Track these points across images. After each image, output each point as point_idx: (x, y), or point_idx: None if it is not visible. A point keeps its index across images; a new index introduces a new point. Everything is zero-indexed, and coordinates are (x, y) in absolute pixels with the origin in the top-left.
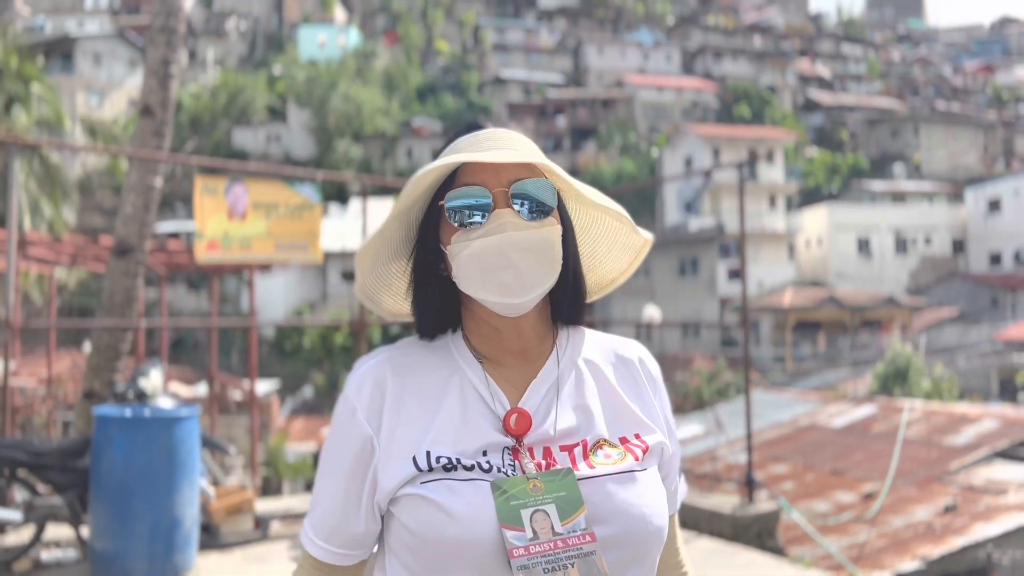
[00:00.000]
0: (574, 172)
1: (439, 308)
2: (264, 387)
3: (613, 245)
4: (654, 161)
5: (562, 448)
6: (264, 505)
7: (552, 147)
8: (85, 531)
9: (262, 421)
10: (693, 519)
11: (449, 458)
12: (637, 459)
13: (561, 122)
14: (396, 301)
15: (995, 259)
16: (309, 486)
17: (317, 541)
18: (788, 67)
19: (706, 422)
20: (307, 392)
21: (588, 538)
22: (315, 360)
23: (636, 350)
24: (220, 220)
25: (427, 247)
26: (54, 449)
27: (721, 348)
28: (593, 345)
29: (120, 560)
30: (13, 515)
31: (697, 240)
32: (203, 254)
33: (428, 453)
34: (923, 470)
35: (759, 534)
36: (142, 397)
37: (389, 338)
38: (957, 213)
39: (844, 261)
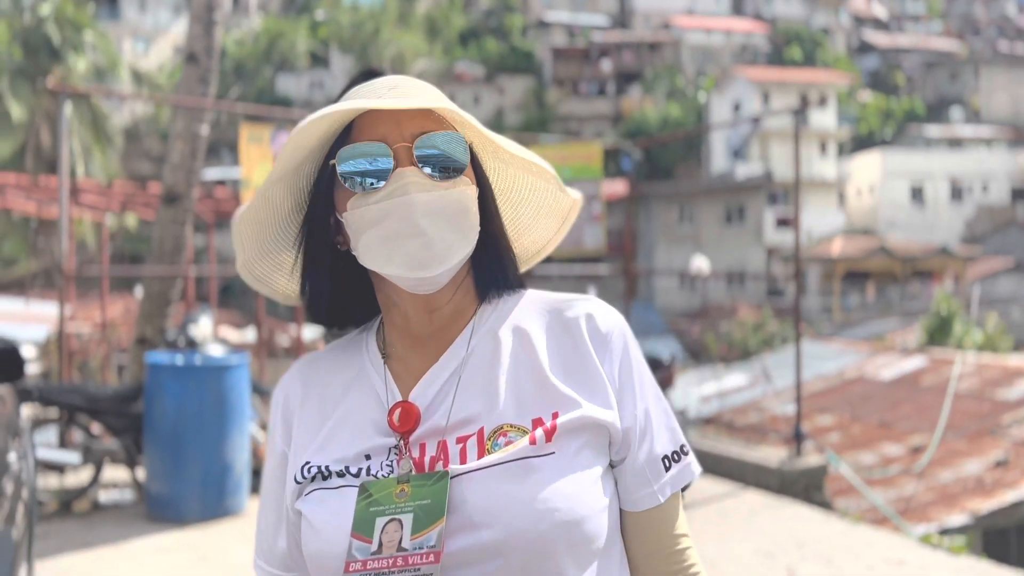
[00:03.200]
0: (618, 118)
1: (332, 291)
2: (310, 332)
3: (539, 209)
4: (701, 106)
5: (458, 440)
6: None
7: (596, 92)
8: (141, 473)
9: None
10: (739, 472)
11: (319, 467)
12: (534, 443)
13: (606, 66)
14: (287, 278)
15: None
16: None
17: (261, 563)
18: (842, 7)
19: (751, 372)
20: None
21: (432, 557)
22: None
23: (582, 307)
24: (266, 169)
25: (319, 216)
26: (109, 394)
27: (767, 298)
28: (527, 311)
29: (175, 502)
30: (72, 457)
31: (744, 188)
32: None
33: (305, 464)
34: (974, 423)
35: (806, 488)
36: (192, 344)
37: None
38: (1017, 160)
39: (896, 209)
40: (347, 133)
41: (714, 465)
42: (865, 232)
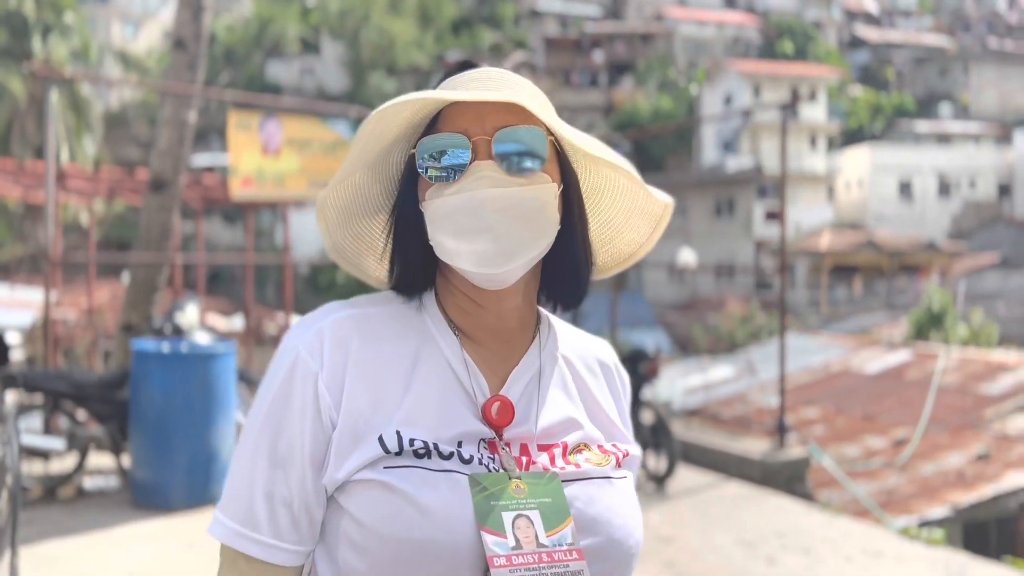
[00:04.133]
0: (610, 109)
1: (423, 274)
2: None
3: (631, 210)
4: (693, 98)
5: (540, 447)
6: None
7: (588, 82)
8: (126, 460)
9: None
10: (723, 463)
11: (425, 442)
12: (619, 465)
13: (598, 57)
14: (383, 266)
15: None
16: None
17: (262, 538)
18: (834, 1)
19: (737, 365)
20: None
21: (575, 554)
22: (349, 295)
23: (611, 355)
24: (254, 156)
25: (407, 204)
26: (94, 381)
27: (755, 291)
28: (569, 340)
29: (160, 489)
30: (56, 443)
31: (734, 180)
32: (238, 191)
33: (399, 433)
34: (957, 417)
35: (789, 479)
36: (178, 332)
37: None
38: (1004, 156)
39: (884, 204)
40: (434, 124)
41: (698, 456)
42: (853, 226)
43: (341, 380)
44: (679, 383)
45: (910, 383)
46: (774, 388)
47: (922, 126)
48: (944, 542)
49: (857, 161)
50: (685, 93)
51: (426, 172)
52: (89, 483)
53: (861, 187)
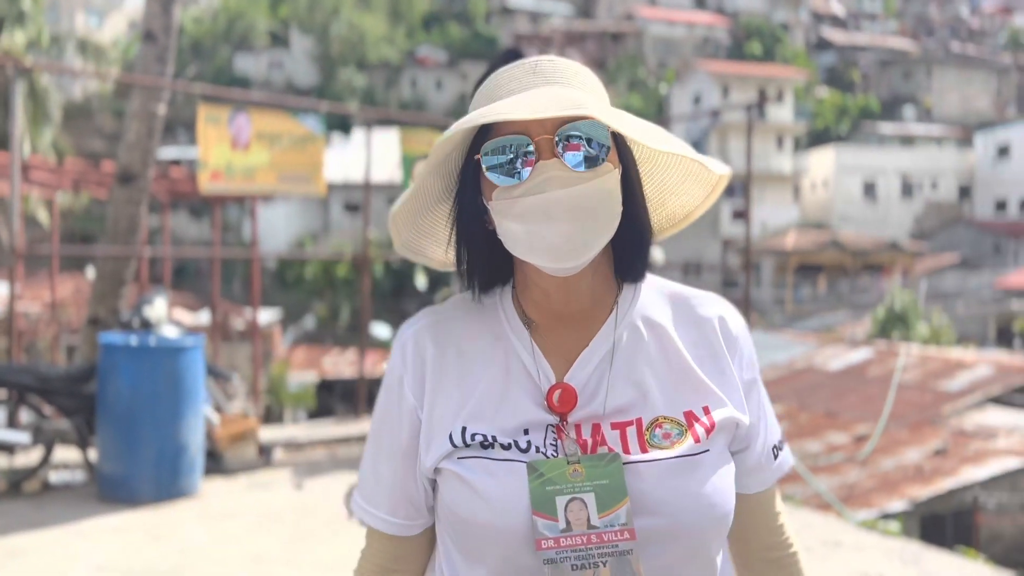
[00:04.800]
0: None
1: (488, 265)
2: (266, 316)
3: (686, 176)
4: (662, 98)
5: (613, 426)
6: (267, 433)
7: None
8: (92, 454)
9: (264, 350)
10: None
11: (485, 435)
12: (698, 440)
13: (569, 55)
14: (442, 250)
15: (1000, 205)
16: (311, 415)
17: (380, 514)
18: (802, 4)
19: None
20: (309, 322)
21: (627, 535)
22: (317, 291)
23: (716, 307)
24: (223, 150)
25: (468, 200)
26: (61, 374)
27: (722, 289)
28: (662, 301)
29: (127, 483)
30: (22, 437)
31: None
32: (206, 184)
33: (464, 429)
34: (916, 414)
35: None
36: (147, 325)
37: (392, 272)
38: (965, 158)
39: (849, 204)
40: (492, 125)
41: None
42: (818, 226)
43: (422, 382)
44: None
45: (872, 380)
46: None
47: (886, 128)
48: (900, 534)
49: (822, 162)
50: (655, 92)
51: (493, 175)
52: (55, 477)
53: (826, 187)
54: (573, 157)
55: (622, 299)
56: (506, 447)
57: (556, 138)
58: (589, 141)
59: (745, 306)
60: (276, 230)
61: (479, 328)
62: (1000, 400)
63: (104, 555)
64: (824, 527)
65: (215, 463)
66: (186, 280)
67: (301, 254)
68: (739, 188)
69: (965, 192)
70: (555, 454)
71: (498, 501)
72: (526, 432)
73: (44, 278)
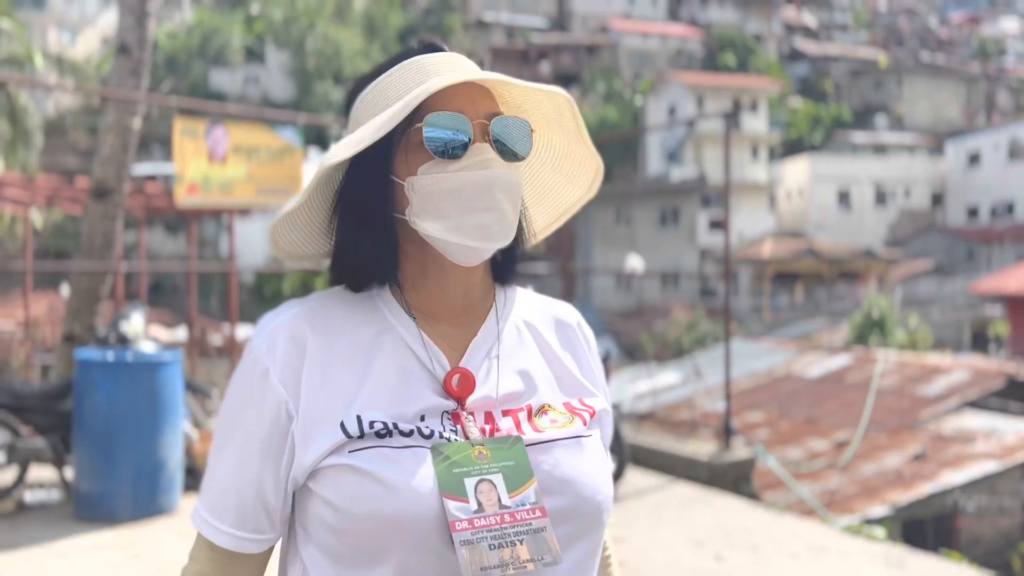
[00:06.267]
0: None
1: (375, 253)
2: (244, 332)
3: (562, 177)
4: (638, 109)
5: (504, 413)
6: None
7: None
8: (69, 473)
9: None
10: (671, 465)
11: (384, 423)
12: (585, 423)
13: (544, 68)
14: (303, 241)
15: (972, 212)
16: None
17: (221, 527)
18: (774, 15)
19: (684, 370)
20: None
21: (538, 512)
22: None
23: (574, 314)
24: (200, 163)
25: (370, 178)
26: (36, 392)
27: (700, 298)
28: (530, 306)
29: (104, 501)
30: None
31: (679, 190)
32: (183, 198)
33: (359, 418)
34: (894, 419)
35: (735, 480)
36: (124, 341)
37: None
38: (937, 166)
39: (824, 213)
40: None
41: (647, 459)
42: (794, 234)
43: (298, 373)
44: (628, 388)
45: (850, 386)
46: (720, 392)
47: (859, 137)
48: (885, 539)
49: (797, 171)
50: (630, 104)
51: (434, 147)
52: (30, 497)
53: (801, 196)
54: (504, 147)
55: (499, 298)
56: (407, 434)
57: (491, 126)
58: (520, 141)
59: (726, 315)
60: (254, 244)
61: (361, 318)
62: (977, 404)
63: (82, 575)
64: (809, 533)
65: (194, 479)
66: (162, 296)
67: (279, 268)
68: (715, 198)
69: (937, 199)
70: (456, 439)
71: (405, 488)
72: (423, 419)
73: (17, 296)
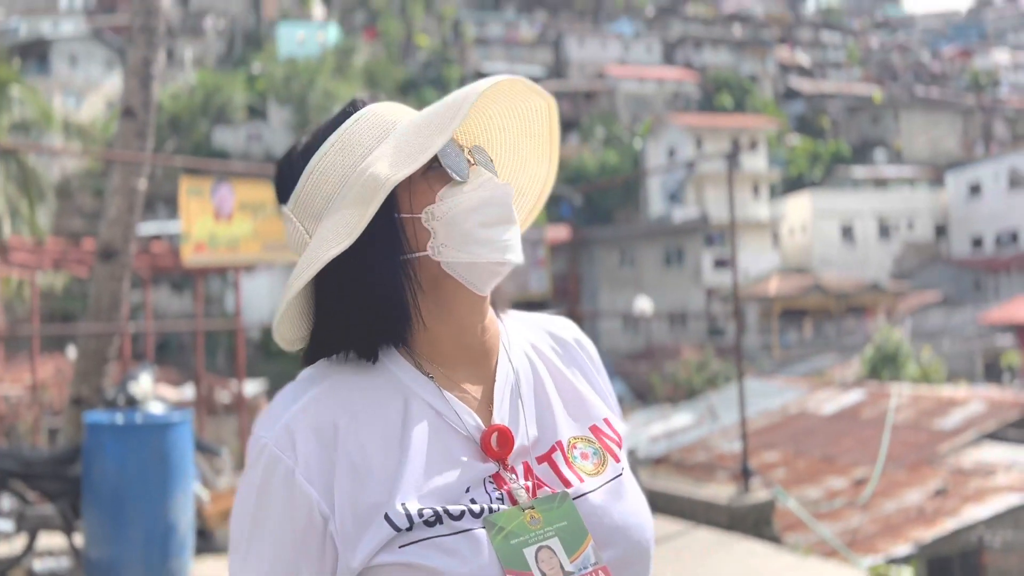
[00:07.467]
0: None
1: (397, 305)
2: (252, 388)
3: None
4: (637, 152)
5: (539, 460)
6: None
7: None
8: (78, 539)
9: (251, 422)
10: (690, 510)
11: (434, 509)
12: (617, 459)
13: None
14: (302, 324)
15: (977, 242)
16: None
17: None
18: (768, 56)
19: (697, 411)
20: None
21: (601, 573)
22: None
23: (571, 328)
24: (206, 222)
25: (372, 224)
26: (44, 457)
27: (709, 337)
28: (527, 326)
29: (115, 568)
30: (4, 525)
31: (682, 230)
32: (190, 256)
33: (405, 507)
34: (913, 454)
35: (756, 523)
36: (132, 402)
37: None
38: (938, 198)
39: (828, 248)
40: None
41: (666, 504)
42: (800, 270)
43: (327, 468)
44: (642, 432)
45: (865, 422)
46: (735, 433)
47: (859, 172)
48: None
49: (799, 207)
50: (630, 148)
51: (457, 170)
52: (39, 565)
53: (805, 232)
54: (490, 167)
55: (502, 328)
56: (457, 517)
57: (474, 152)
58: (486, 156)
59: (737, 354)
60: (260, 300)
61: (381, 391)
62: (995, 436)
63: None
64: (835, 575)
65: (205, 541)
66: (169, 355)
67: None
68: (719, 237)
69: (941, 231)
70: (502, 506)
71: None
72: (468, 490)
73: (24, 359)
